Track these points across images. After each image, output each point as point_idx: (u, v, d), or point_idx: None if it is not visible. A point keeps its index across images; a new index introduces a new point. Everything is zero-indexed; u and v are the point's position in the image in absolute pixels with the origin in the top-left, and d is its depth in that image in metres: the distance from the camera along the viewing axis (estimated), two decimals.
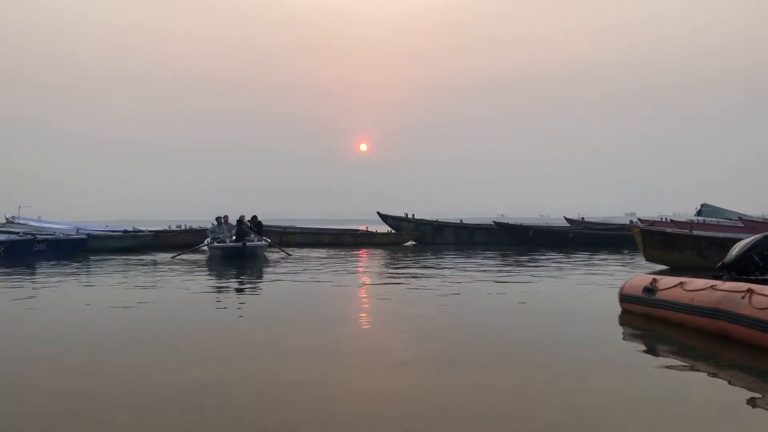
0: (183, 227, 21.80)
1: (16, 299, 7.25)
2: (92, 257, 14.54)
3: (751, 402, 3.26)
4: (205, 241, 15.12)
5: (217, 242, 14.32)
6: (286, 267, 11.74)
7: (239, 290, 8.46)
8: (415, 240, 21.97)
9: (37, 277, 10.07)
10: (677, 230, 13.08)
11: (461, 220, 24.25)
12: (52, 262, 12.80)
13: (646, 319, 5.40)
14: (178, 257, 13.99)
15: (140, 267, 11.83)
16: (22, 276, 10.06)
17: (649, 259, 11.55)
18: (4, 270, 10.79)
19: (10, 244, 13.72)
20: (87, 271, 11.00)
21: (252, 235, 15.04)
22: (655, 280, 5.51)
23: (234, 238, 14.35)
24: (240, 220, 15.09)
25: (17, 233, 15.09)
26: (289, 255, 14.84)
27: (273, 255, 15.07)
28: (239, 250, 13.36)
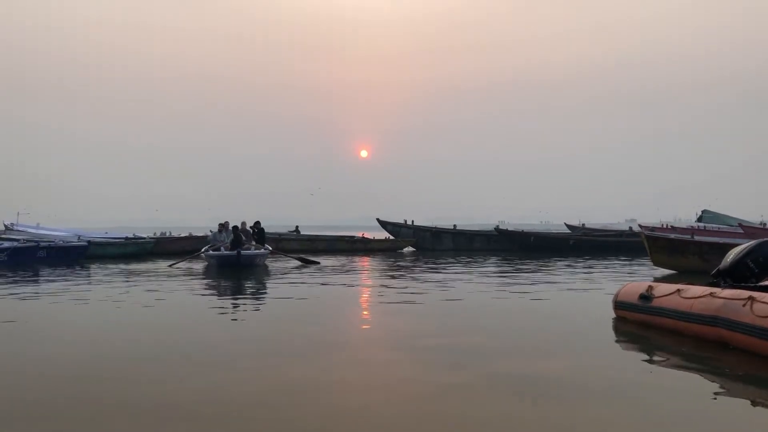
0: (168, 234, 21.74)
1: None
2: (94, 264, 14.50)
3: (753, 410, 3.22)
4: (203, 249, 14.51)
5: (213, 250, 13.74)
6: (281, 276, 11.40)
7: (221, 303, 7.90)
8: (413, 246, 22.03)
9: (41, 284, 10.06)
10: (680, 236, 13.37)
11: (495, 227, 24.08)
12: (54, 269, 12.80)
13: (641, 326, 5.37)
14: (175, 265, 13.46)
15: (141, 276, 11.77)
16: (34, 283, 10.04)
17: (656, 263, 12.08)
18: (12, 276, 10.82)
19: (13, 251, 13.91)
20: (87, 280, 10.98)
21: (250, 243, 14.46)
22: (651, 287, 5.47)
23: (229, 246, 13.66)
24: (237, 227, 14.44)
25: (17, 240, 15.19)
26: (315, 263, 14.14)
27: (275, 264, 14.48)
28: (233, 259, 12.69)
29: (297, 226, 24.66)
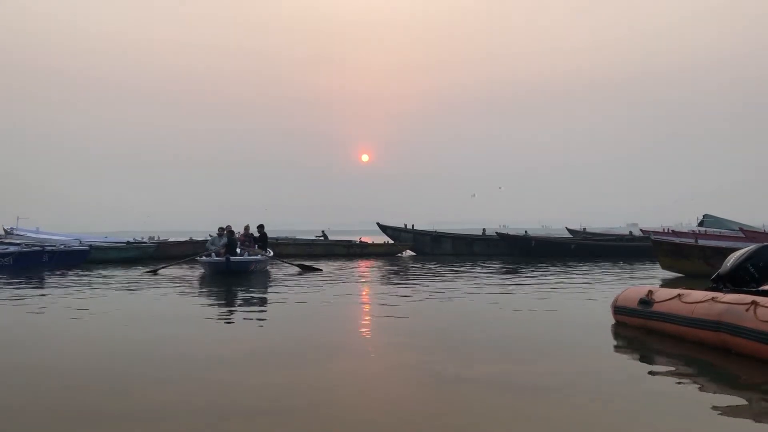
0: (156, 239, 21.62)
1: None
2: (96, 268, 14.45)
3: (755, 414, 3.19)
4: (200, 254, 13.89)
5: (206, 256, 13.04)
6: (274, 283, 10.87)
7: (201, 311, 7.37)
8: (412, 250, 22.01)
9: (52, 290, 10.03)
10: (685, 240, 13.70)
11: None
12: (59, 273, 12.80)
13: (641, 331, 5.34)
14: (157, 272, 12.84)
15: (139, 281, 11.72)
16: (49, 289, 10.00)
17: (664, 267, 12.61)
18: (23, 281, 10.79)
19: (18, 255, 14.00)
20: (89, 286, 10.94)
21: (252, 247, 14.04)
22: (650, 291, 5.45)
23: (223, 251, 12.91)
24: (232, 232, 13.75)
25: (19, 245, 15.23)
26: (317, 270, 13.30)
27: (278, 270, 13.68)
28: (223, 266, 11.85)
29: (323, 231, 24.53)
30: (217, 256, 12.64)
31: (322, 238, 23.33)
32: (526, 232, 24.62)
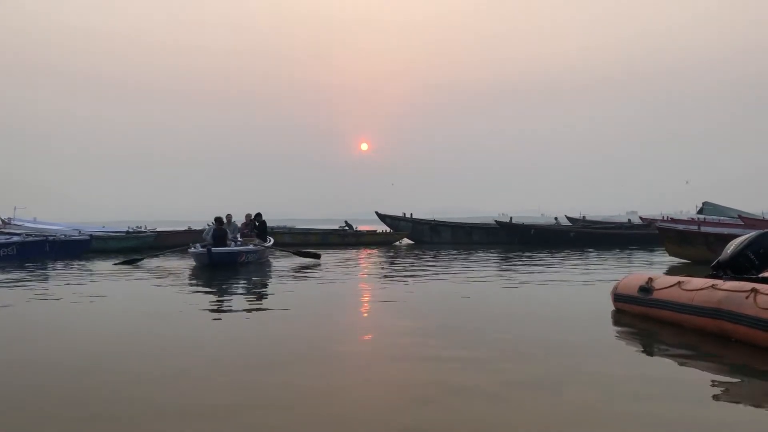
0: (144, 228, 21.45)
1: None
2: (97, 258, 14.43)
3: (755, 402, 3.19)
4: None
5: (194, 248, 12.12)
6: (264, 277, 10.24)
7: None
8: (410, 239, 21.99)
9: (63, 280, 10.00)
10: (688, 227, 13.98)
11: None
12: (62, 263, 12.77)
13: (641, 319, 5.33)
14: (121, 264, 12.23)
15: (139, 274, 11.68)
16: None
17: (670, 253, 12.98)
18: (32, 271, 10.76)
19: (21, 245, 14.05)
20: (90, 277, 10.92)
21: (252, 237, 13.71)
22: (650, 279, 5.44)
23: (212, 242, 12.17)
24: (222, 221, 12.91)
25: (19, 234, 15.21)
26: (315, 256, 12.90)
27: (280, 261, 13.18)
28: (204, 258, 11.12)
29: (346, 221, 24.34)
30: (202, 248, 11.84)
31: (346, 228, 23.27)
32: (556, 219, 24.66)
